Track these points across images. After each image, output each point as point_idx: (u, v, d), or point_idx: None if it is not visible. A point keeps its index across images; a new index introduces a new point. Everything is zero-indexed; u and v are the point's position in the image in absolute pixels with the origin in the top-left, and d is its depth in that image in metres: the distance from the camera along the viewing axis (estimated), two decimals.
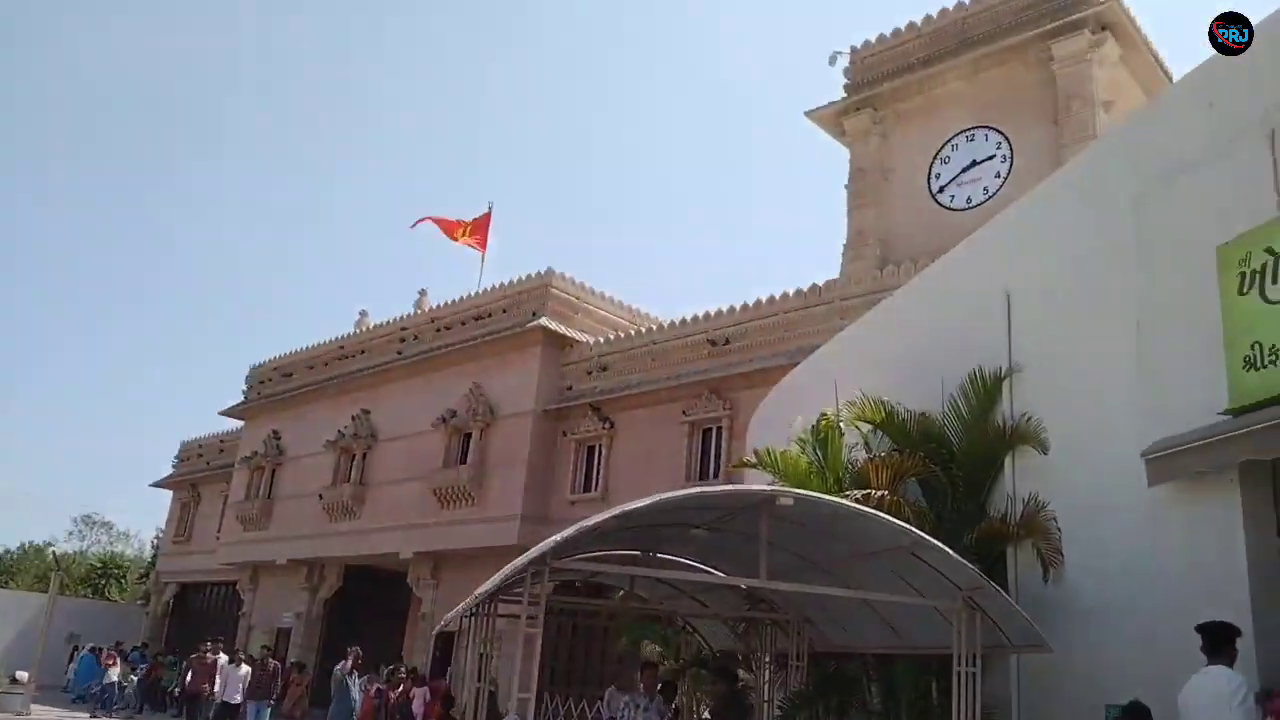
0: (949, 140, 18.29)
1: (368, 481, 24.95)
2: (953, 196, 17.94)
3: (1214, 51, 6.75)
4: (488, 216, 27.41)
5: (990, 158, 17.71)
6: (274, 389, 29.66)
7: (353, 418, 25.52)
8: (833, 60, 19.89)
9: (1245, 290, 6.16)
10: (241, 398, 31.15)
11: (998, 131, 17.74)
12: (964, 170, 17.93)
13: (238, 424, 32.23)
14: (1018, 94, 17.66)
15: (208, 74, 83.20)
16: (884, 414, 8.82)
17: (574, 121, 54.43)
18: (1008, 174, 17.36)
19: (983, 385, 8.52)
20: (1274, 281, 5.97)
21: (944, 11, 18.94)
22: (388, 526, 23.81)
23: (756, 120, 52.19)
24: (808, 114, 19.69)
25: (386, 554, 23.70)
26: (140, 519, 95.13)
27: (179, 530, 35.46)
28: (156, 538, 45.80)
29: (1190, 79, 7.02)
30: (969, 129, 18.09)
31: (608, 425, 20.73)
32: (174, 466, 37.26)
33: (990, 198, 17.36)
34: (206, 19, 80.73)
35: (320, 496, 25.67)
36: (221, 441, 34.68)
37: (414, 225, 26.38)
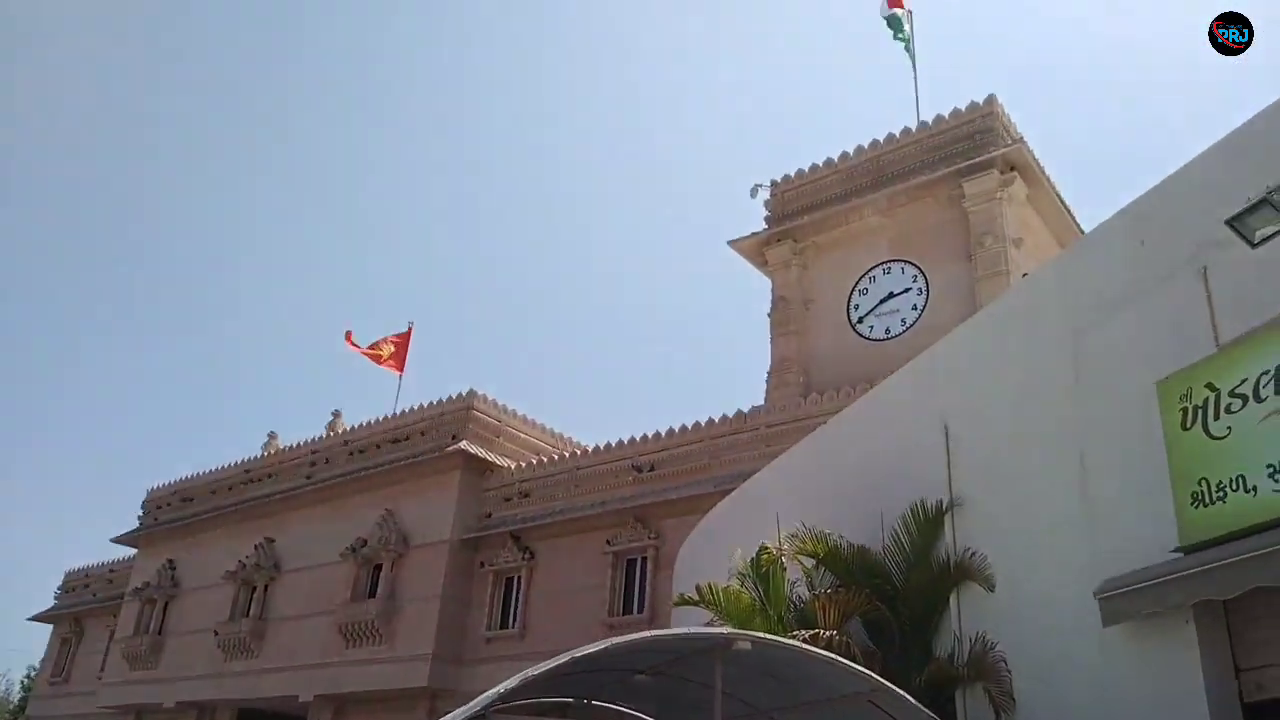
0: (867, 272, 18.75)
1: (268, 616, 23.45)
2: (872, 327, 18.28)
3: (1138, 191, 6.98)
4: (407, 336, 26.94)
5: (907, 290, 18.16)
6: (172, 515, 28.02)
7: (255, 547, 24.16)
8: (754, 192, 20.43)
9: (1189, 426, 6.18)
10: (136, 524, 29.35)
11: (914, 265, 18.26)
12: (882, 301, 18.34)
13: (130, 552, 30.27)
14: (932, 229, 18.26)
15: (105, 186, 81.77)
16: (827, 547, 8.57)
17: (498, 243, 54.81)
18: (924, 306, 17.80)
19: (924, 518, 8.37)
20: (1217, 418, 5.99)
21: (860, 149, 19.70)
22: (288, 666, 22.26)
23: (681, 245, 53.34)
24: (731, 243, 20.06)
25: (285, 696, 22.09)
26: (10, 657, 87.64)
27: (56, 669, 32.67)
28: (28, 677, 42.22)
29: (1120, 216, 7.21)
30: (886, 262, 18.60)
31: (528, 555, 19.99)
32: (56, 598, 34.63)
33: (908, 329, 17.73)
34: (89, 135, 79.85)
35: (216, 633, 23.99)
36: (111, 571, 32.43)
37: (347, 336, 25.65)
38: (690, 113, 52.63)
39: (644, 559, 18.40)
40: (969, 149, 18.23)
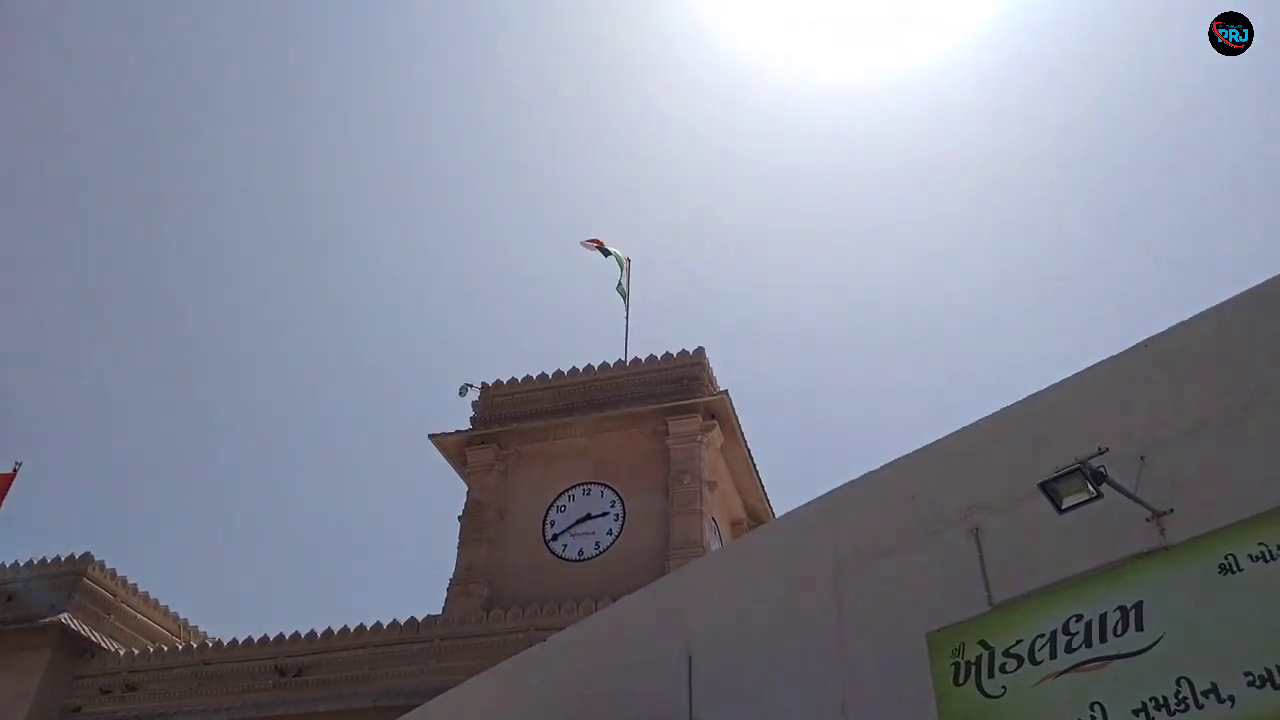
0: (567, 490, 18.65)
1: None
2: (565, 545, 17.98)
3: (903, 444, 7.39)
4: (10, 478, 22.67)
5: (604, 514, 18.21)
6: None
7: None
8: (463, 391, 20.01)
9: (961, 681, 6.26)
10: None
11: (613, 490, 18.43)
12: (579, 522, 18.20)
13: None
14: (634, 459, 18.68)
15: None
16: None
17: (140, 391, 48.20)
18: (619, 532, 17.87)
19: None
20: (991, 675, 6.12)
21: (574, 370, 20.11)
22: None
23: (364, 434, 50.05)
24: (432, 436, 19.28)
25: None
26: None
27: None
28: None
29: (891, 469, 7.56)
30: (587, 483, 18.64)
31: None
32: None
33: (601, 553, 17.66)
34: None
35: None
36: None
37: None
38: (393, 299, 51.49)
39: None
40: (676, 391, 19.18)
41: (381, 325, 52.17)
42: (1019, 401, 6.92)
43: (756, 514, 20.87)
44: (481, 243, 53.15)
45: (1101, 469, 5.50)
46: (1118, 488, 5.55)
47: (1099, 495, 5.41)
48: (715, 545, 17.98)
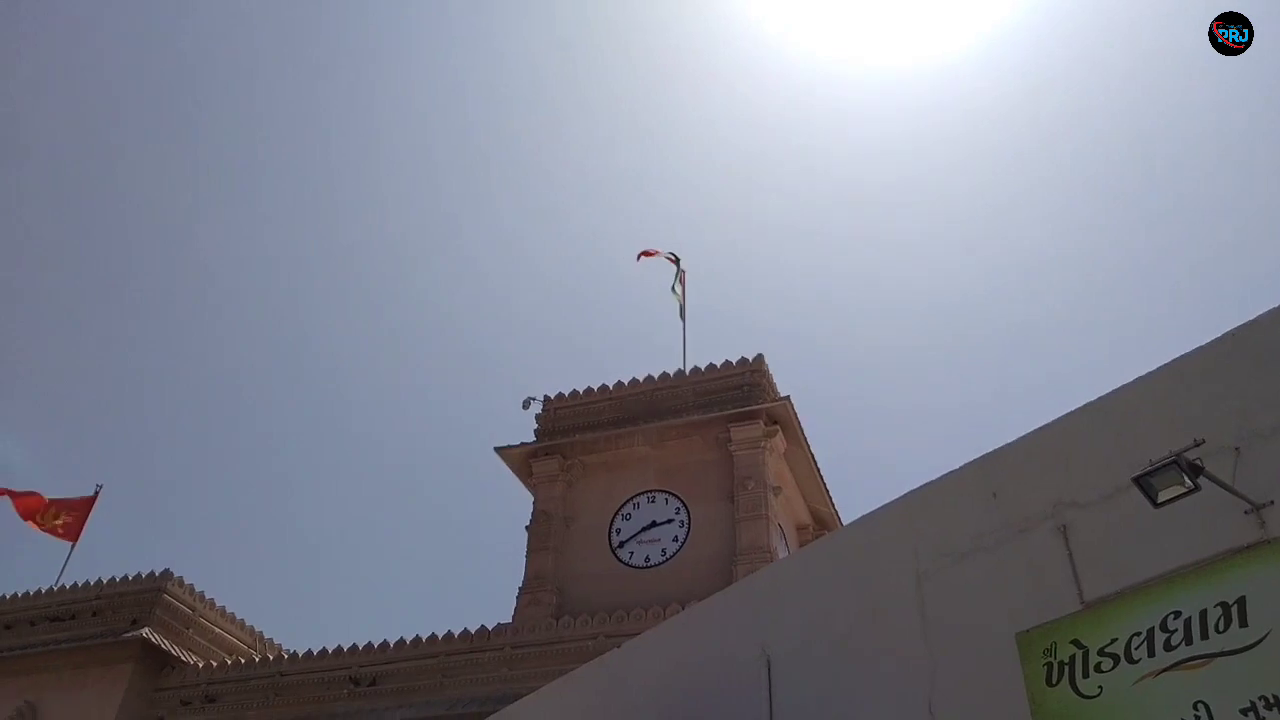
0: (632, 498, 18.66)
1: None
2: (632, 553, 17.99)
3: (996, 442, 7.28)
4: (90, 501, 23.35)
5: (669, 521, 18.18)
6: None
7: None
8: (526, 404, 20.18)
9: (1054, 682, 6.14)
10: None
11: (677, 497, 18.41)
12: (644, 529, 18.20)
13: None
14: (697, 466, 18.65)
15: None
16: None
17: (218, 413, 49.28)
18: (685, 539, 17.82)
19: None
20: (1086, 676, 5.99)
21: (634, 381, 20.13)
22: None
23: (425, 448, 50.67)
24: (498, 449, 19.43)
25: None
26: None
27: None
28: None
29: (970, 469, 7.44)
30: (651, 491, 18.65)
31: None
32: None
33: (668, 559, 17.64)
34: None
35: None
36: None
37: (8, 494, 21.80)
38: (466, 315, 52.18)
39: None
40: (737, 398, 19.10)
41: (445, 345, 52.92)
42: (1104, 395, 6.77)
43: (822, 519, 20.68)
44: (534, 256, 53.68)
45: (1198, 461, 5.36)
46: (1216, 480, 5.40)
47: (1196, 488, 5.27)
48: (782, 551, 17.86)
